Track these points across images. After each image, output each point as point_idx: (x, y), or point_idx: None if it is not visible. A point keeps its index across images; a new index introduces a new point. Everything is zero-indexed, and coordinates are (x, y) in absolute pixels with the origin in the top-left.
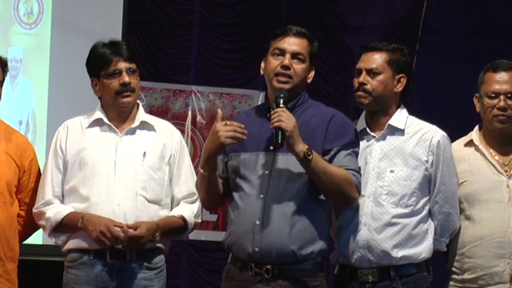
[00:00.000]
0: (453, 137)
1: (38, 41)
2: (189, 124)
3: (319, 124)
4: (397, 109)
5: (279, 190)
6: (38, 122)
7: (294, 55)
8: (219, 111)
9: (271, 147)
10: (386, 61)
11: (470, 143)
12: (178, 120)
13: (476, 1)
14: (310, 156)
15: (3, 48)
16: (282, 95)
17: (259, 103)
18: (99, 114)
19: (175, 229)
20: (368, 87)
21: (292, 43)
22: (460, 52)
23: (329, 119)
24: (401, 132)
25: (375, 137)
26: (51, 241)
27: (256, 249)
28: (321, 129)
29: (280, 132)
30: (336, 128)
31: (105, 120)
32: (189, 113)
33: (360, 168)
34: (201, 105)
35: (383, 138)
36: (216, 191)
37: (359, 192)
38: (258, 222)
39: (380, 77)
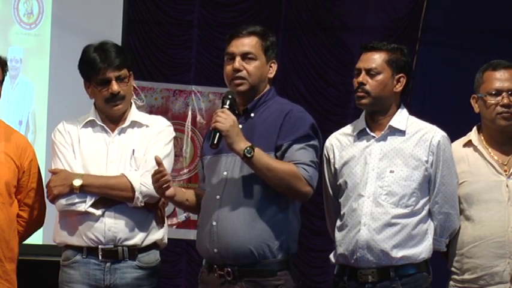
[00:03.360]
0: (453, 137)
1: (38, 41)
2: (189, 124)
3: (275, 121)
4: (397, 109)
5: (234, 190)
6: (38, 122)
7: (244, 56)
8: (157, 157)
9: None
10: (385, 61)
11: (469, 144)
12: (178, 120)
13: (476, 1)
14: (251, 154)
15: (3, 48)
16: (230, 96)
17: None
18: (92, 116)
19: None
20: (367, 87)
21: (240, 44)
22: (460, 52)
23: (284, 114)
24: (402, 133)
25: (374, 137)
26: (50, 241)
27: (215, 250)
28: (276, 126)
29: (217, 133)
30: (289, 123)
31: (98, 121)
32: (189, 113)
33: (316, 162)
34: (201, 105)
35: (383, 138)
36: (188, 206)
37: (311, 185)
38: (214, 223)
39: (379, 77)
